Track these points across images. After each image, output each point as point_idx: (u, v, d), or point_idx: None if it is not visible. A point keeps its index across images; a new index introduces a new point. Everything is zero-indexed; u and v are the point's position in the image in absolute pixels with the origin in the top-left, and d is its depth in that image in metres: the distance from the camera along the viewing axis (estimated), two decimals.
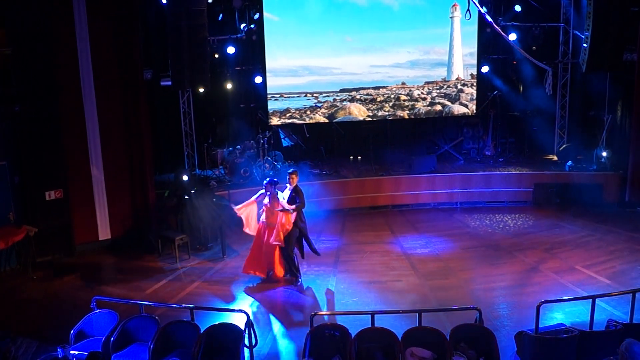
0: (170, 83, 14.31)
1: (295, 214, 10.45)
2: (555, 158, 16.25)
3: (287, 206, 10.34)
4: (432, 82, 17.06)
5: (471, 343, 7.17)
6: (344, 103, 16.85)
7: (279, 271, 10.74)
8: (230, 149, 16.03)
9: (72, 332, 7.67)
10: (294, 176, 10.55)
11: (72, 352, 7.04)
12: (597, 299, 8.15)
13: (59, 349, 6.93)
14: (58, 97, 11.79)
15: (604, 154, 14.83)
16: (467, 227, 13.83)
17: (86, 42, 11.95)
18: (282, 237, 10.42)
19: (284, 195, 10.55)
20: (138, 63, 12.70)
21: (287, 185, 10.62)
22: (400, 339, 7.18)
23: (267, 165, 15.35)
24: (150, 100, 13.37)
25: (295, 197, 10.44)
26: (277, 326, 9.27)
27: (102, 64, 12.23)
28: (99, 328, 7.77)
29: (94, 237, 12.61)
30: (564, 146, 16.12)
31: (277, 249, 10.60)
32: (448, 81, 17.04)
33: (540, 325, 7.56)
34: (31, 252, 11.46)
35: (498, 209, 14.69)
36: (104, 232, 12.71)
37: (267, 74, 16.09)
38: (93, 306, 8.09)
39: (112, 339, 7.52)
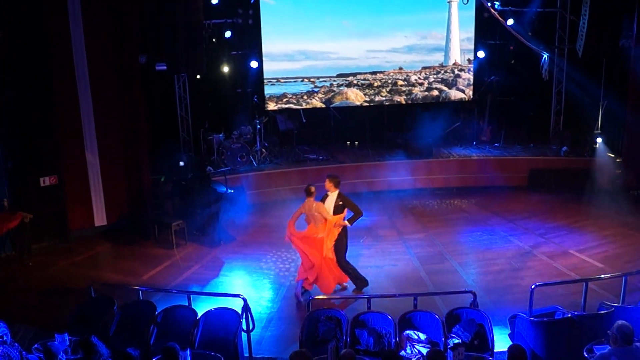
0: (165, 67, 14.25)
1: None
2: (552, 143, 16.24)
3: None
4: (429, 67, 17.04)
5: (466, 326, 7.23)
6: (341, 88, 16.82)
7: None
8: (227, 134, 15.97)
9: (69, 318, 7.71)
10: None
11: (69, 338, 7.06)
12: (589, 282, 8.25)
13: (56, 335, 6.95)
14: (52, 81, 11.68)
15: (599, 139, 14.83)
16: (463, 211, 13.89)
17: (80, 25, 11.82)
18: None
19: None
20: (133, 47, 12.62)
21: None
22: (396, 322, 7.25)
23: (263, 150, 15.31)
24: (146, 85, 13.29)
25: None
26: (274, 311, 9.31)
27: (97, 48, 12.12)
28: (97, 314, 7.79)
29: (90, 223, 12.57)
30: (560, 132, 16.12)
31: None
32: (445, 66, 17.02)
33: (533, 308, 7.65)
34: (26, 238, 11.45)
35: (494, 194, 14.68)
36: (100, 218, 12.67)
37: (264, 59, 16.02)
38: (90, 292, 8.12)
39: (109, 324, 7.57)
